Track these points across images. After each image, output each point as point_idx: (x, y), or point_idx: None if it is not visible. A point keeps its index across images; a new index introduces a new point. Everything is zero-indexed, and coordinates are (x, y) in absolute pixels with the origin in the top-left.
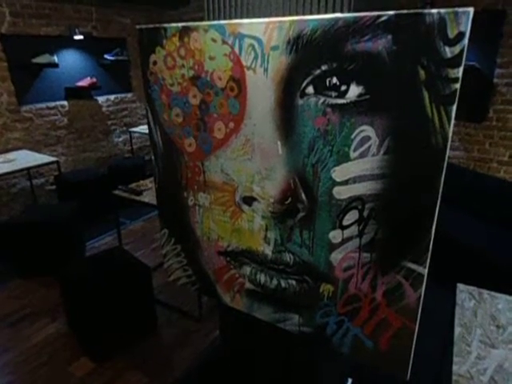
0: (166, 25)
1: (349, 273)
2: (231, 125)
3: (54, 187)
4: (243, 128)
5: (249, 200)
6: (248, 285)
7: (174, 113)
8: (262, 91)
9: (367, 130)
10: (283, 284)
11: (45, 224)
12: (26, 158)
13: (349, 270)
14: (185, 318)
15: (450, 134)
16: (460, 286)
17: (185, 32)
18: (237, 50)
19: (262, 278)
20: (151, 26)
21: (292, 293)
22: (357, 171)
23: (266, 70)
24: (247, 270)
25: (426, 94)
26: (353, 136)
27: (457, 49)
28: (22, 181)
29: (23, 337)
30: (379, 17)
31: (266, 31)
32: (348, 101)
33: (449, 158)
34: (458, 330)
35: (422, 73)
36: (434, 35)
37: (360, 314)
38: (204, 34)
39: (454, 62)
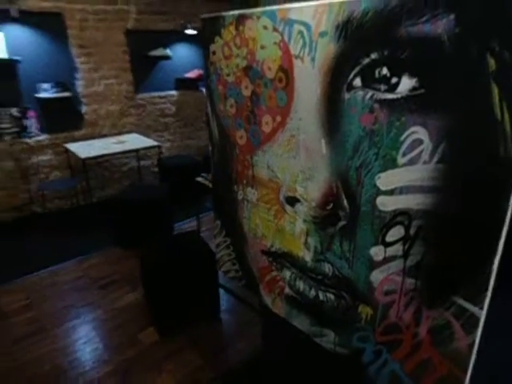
0: (224, 13)
1: (390, 298)
2: (278, 118)
3: (157, 169)
4: (289, 122)
5: (292, 200)
6: (287, 290)
7: (228, 103)
8: (308, 83)
9: (419, 132)
10: (321, 296)
11: (140, 201)
12: (134, 141)
13: (390, 294)
14: (248, 310)
15: None
16: None
17: (240, 20)
18: (286, 37)
19: (301, 285)
20: (212, 15)
21: (330, 307)
22: (404, 180)
23: (313, 59)
24: (287, 274)
25: (495, 90)
26: (402, 138)
27: None
28: (132, 161)
29: (109, 299)
30: None
31: (315, 15)
32: (399, 96)
33: None
34: None
35: (491, 62)
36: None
37: (400, 348)
38: (257, 21)
39: None
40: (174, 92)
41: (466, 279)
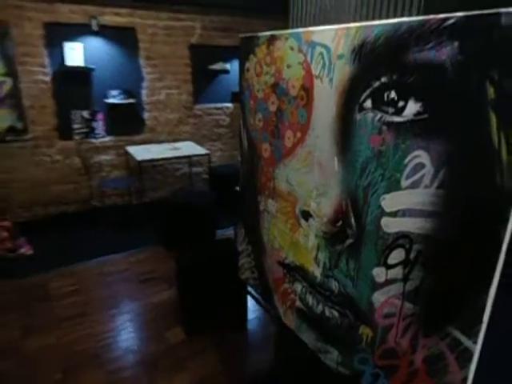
0: (259, 34)
1: (389, 321)
2: (298, 134)
3: (207, 176)
4: (307, 139)
5: (306, 215)
6: (298, 303)
7: (257, 118)
8: (325, 102)
9: (422, 156)
10: (327, 312)
11: (188, 206)
12: (187, 148)
13: (389, 317)
14: (276, 323)
15: None
16: None
17: (271, 40)
18: (309, 58)
19: (310, 299)
20: (249, 34)
21: (334, 324)
22: (407, 203)
23: (331, 80)
24: (298, 287)
25: (493, 118)
26: (406, 161)
27: None
28: (184, 167)
29: (147, 294)
30: (446, 19)
31: (334, 39)
32: (405, 119)
33: None
34: None
35: (490, 90)
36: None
37: (397, 374)
38: (285, 42)
39: None
40: (229, 104)
41: (461, 308)
